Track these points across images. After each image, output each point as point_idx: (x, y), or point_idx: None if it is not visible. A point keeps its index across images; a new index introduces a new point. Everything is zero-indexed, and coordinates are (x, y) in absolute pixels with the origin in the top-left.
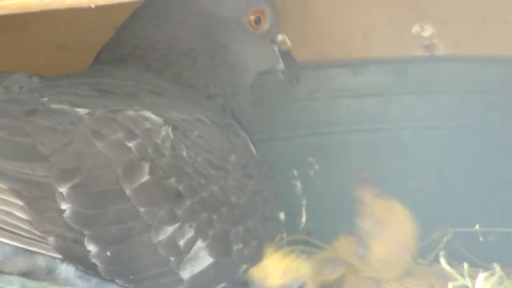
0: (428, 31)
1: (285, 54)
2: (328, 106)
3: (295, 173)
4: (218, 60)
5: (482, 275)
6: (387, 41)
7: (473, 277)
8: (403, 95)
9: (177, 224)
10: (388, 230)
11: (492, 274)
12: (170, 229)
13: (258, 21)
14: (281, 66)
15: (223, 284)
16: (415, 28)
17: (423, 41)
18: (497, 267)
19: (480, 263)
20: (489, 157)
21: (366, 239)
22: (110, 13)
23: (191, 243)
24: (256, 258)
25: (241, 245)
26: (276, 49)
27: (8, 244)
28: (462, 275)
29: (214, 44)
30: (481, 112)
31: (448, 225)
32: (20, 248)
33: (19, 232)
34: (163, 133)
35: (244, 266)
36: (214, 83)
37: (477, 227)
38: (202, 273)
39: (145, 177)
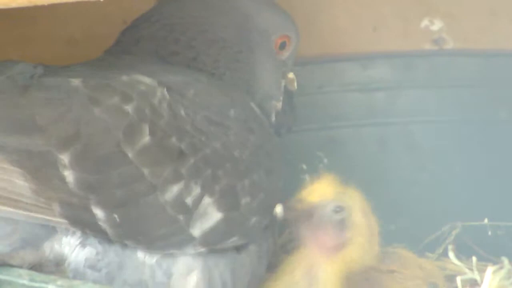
0: (437, 25)
1: (288, 95)
2: (338, 100)
3: (304, 167)
4: (242, 58)
5: (490, 269)
6: (396, 35)
7: (481, 271)
8: (412, 89)
9: (182, 182)
10: (356, 214)
11: (501, 268)
12: (176, 188)
13: (282, 46)
14: (279, 105)
15: (234, 238)
16: (424, 22)
17: (432, 35)
18: (505, 261)
19: (488, 257)
20: (498, 151)
21: (342, 226)
22: (119, 6)
23: (198, 199)
24: (266, 210)
25: (248, 199)
26: (283, 84)
27: (16, 232)
28: (470, 268)
29: (244, 43)
30: (490, 106)
31: (457, 219)
32: (28, 238)
33: (22, 199)
34: (158, 94)
35: (254, 219)
36: (231, 75)
37: (486, 221)
38: (212, 228)
39: (146, 138)
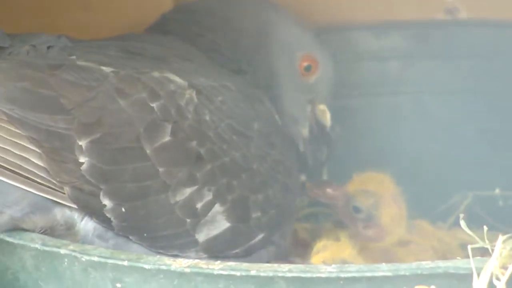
0: None
1: (319, 126)
2: (350, 69)
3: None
4: (259, 55)
5: (501, 238)
6: (410, 5)
7: (492, 240)
8: (425, 59)
9: (196, 187)
10: (380, 196)
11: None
12: (188, 191)
13: (308, 69)
14: (305, 132)
15: (237, 250)
16: None
17: (446, 4)
18: None
19: (500, 227)
20: (509, 122)
21: (371, 216)
22: None
23: (209, 206)
24: (274, 227)
25: (259, 213)
26: (309, 109)
27: (25, 198)
28: (481, 238)
29: (262, 41)
30: (503, 76)
31: (468, 189)
32: (38, 202)
33: (35, 179)
34: (187, 96)
35: (261, 235)
36: (247, 62)
37: (497, 191)
38: (217, 237)
39: (167, 138)
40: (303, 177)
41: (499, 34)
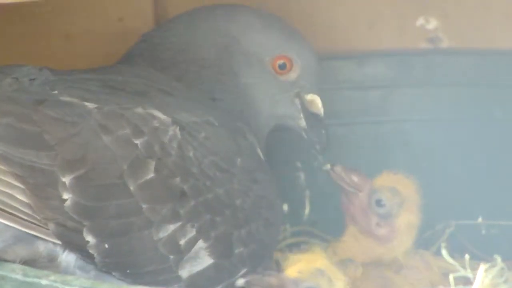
0: (432, 24)
1: (313, 116)
2: (332, 98)
3: (299, 164)
4: (225, 80)
5: (483, 267)
6: (392, 34)
7: (474, 269)
8: (407, 87)
9: (179, 223)
10: (405, 198)
11: (493, 266)
12: (171, 228)
13: (283, 67)
14: (302, 123)
15: (220, 286)
16: (420, 21)
17: (428, 34)
18: (498, 259)
19: (482, 256)
20: (492, 151)
21: (390, 215)
22: (116, 3)
23: (192, 243)
24: (256, 262)
25: (242, 248)
26: (298, 102)
27: (8, 230)
28: (464, 266)
29: (225, 65)
30: (484, 105)
31: (451, 218)
32: (20, 235)
33: (20, 215)
34: (170, 132)
35: (244, 269)
36: (219, 89)
37: (479, 219)
38: (201, 273)
39: (150, 175)
40: (285, 207)
41: (479, 62)
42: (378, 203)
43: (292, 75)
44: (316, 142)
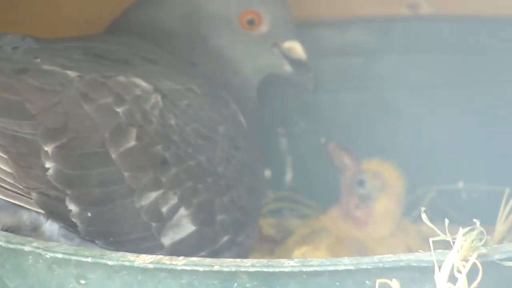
0: None
1: (296, 62)
2: (315, 65)
3: (281, 130)
4: (197, 46)
5: (461, 230)
6: (372, 0)
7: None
8: (389, 54)
9: (161, 191)
10: (387, 185)
11: (472, 230)
12: (153, 195)
13: (251, 22)
14: (288, 68)
15: (203, 253)
16: None
17: (408, 0)
18: (477, 223)
19: (464, 220)
20: (473, 116)
21: (369, 197)
22: None
23: (174, 210)
24: (239, 229)
25: (224, 216)
26: (277, 52)
27: None
28: (444, 232)
29: (193, 32)
30: (465, 71)
31: (432, 183)
32: (4, 204)
33: (2, 184)
34: (152, 100)
35: (226, 237)
36: (196, 59)
37: (460, 184)
38: (183, 240)
39: (132, 143)
40: (267, 173)
41: (460, 28)
42: (360, 183)
43: (263, 28)
44: (306, 84)
